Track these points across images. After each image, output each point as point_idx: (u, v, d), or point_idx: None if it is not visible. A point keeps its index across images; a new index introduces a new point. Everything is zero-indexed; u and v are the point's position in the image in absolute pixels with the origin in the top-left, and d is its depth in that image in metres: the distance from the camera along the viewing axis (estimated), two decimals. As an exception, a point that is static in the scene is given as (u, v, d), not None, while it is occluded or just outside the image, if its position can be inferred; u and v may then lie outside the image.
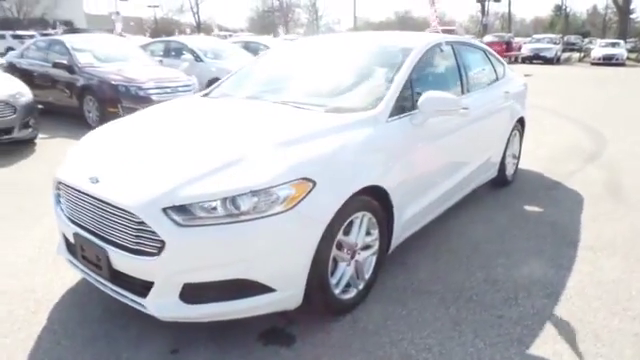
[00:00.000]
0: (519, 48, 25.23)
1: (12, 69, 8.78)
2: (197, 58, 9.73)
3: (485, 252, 3.27)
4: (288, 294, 2.15)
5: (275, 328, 2.38)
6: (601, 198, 4.40)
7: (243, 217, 1.99)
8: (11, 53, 9.77)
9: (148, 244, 2.00)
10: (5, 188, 4.59)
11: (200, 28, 44.32)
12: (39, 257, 3.12)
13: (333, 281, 2.37)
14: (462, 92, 3.56)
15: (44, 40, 8.71)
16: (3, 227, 3.63)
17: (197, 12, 45.86)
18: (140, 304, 2.09)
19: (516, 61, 25.78)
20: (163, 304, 2.04)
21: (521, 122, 4.74)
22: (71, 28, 41.60)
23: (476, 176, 3.91)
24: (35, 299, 2.62)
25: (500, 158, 4.37)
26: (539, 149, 6.30)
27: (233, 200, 1.99)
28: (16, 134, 5.64)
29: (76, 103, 7.49)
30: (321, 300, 2.32)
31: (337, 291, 2.41)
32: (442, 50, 3.48)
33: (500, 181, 4.57)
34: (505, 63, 4.69)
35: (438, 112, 2.84)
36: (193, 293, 2.03)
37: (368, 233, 2.59)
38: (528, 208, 4.15)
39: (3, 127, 5.54)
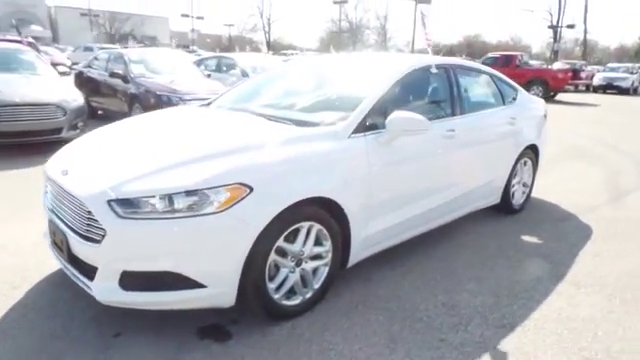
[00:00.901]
0: (591, 77, 23.81)
1: (79, 77, 9.76)
2: (244, 73, 10.24)
3: (458, 277, 3.20)
4: (219, 292, 2.28)
5: (216, 325, 2.52)
6: (614, 236, 4.12)
7: (177, 214, 2.16)
8: (81, 63, 10.83)
9: (94, 232, 2.22)
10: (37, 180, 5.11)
11: (270, 46, 46.31)
12: (41, 242, 3.48)
13: (272, 285, 2.46)
14: (452, 114, 3.54)
15: (107, 52, 9.59)
16: (21, 214, 4.06)
17: (268, 31, 48.11)
18: (88, 287, 2.32)
19: (587, 90, 24.39)
20: (105, 288, 2.25)
21: (534, 150, 4.57)
22: (151, 43, 45.15)
23: (469, 201, 3.84)
24: (23, 276, 2.95)
25: (503, 184, 4.24)
26: (572, 180, 6.01)
27: (169, 198, 2.17)
28: (64, 134, 6.25)
29: (127, 109, 8.15)
30: (257, 302, 2.42)
31: (277, 296, 2.50)
32: (431, 72, 3.50)
33: (505, 208, 4.43)
34: (519, 89, 4.57)
35: (405, 132, 2.87)
36: (130, 281, 2.21)
37: (320, 244, 2.67)
38: (526, 238, 3.98)
39: (53, 127, 6.19)
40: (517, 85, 4.62)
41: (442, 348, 2.41)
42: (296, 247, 2.53)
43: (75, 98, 6.62)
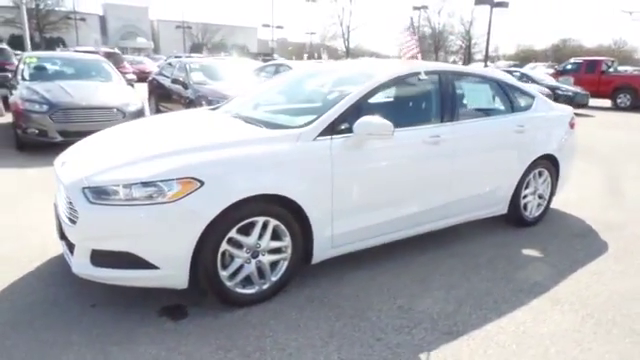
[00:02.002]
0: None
1: (151, 83, 10.77)
2: None
3: (429, 284, 3.20)
4: (171, 274, 2.56)
5: (179, 305, 2.80)
6: (630, 254, 3.81)
7: (135, 202, 2.48)
8: (155, 70, 11.93)
9: (73, 214, 2.61)
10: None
11: (349, 53, 46.91)
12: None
13: (224, 273, 2.69)
14: (441, 121, 3.54)
15: (173, 61, 10.49)
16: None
17: (347, 38, 48.76)
18: (70, 261, 2.71)
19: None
20: (79, 263, 2.62)
21: (552, 161, 4.35)
22: (239, 52, 47.91)
23: (463, 209, 3.79)
24: (41, 252, 3.45)
25: (509, 195, 4.09)
26: (611, 196, 5.56)
27: (130, 187, 2.49)
28: (123, 134, 7.00)
29: (185, 113, 8.89)
30: (209, 287, 2.67)
31: (230, 283, 2.73)
32: (419, 79, 3.53)
33: (515, 220, 4.27)
34: (537, 96, 4.38)
35: (370, 135, 2.97)
36: (98, 258, 2.56)
37: (279, 239, 2.85)
38: (526, 252, 3.82)
39: (113, 128, 6.97)
40: (535, 92, 4.43)
41: (375, 347, 2.48)
42: (251, 240, 2.74)
43: (134, 103, 7.37)
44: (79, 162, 2.89)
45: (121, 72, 11.48)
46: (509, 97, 4.11)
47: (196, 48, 57.74)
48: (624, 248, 3.94)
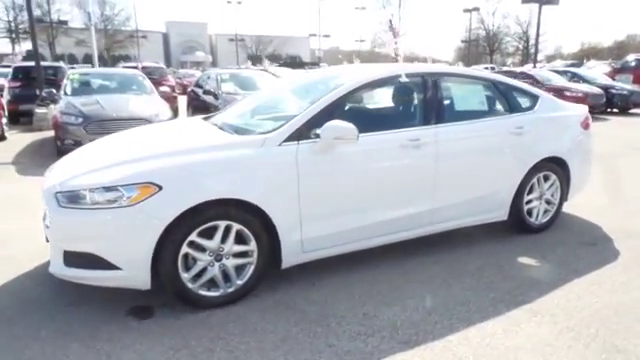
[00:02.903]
0: None
1: (189, 95, 11.25)
2: None
3: (404, 292, 3.10)
4: (133, 275, 2.67)
5: (147, 306, 2.90)
6: (636, 265, 3.49)
7: (98, 206, 2.62)
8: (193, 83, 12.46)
9: (49, 218, 2.80)
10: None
11: (397, 60, 46.36)
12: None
13: (186, 275, 2.77)
14: (423, 124, 3.44)
15: (207, 73, 10.89)
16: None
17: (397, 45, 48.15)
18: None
19: None
20: (55, 264, 2.80)
21: (559, 164, 4.08)
22: (292, 62, 48.91)
23: (453, 215, 3.64)
24: (43, 253, 3.70)
25: (509, 199, 3.88)
26: (637, 202, 5.11)
27: (94, 192, 2.63)
28: (151, 143, 7.37)
29: (215, 123, 9.21)
30: (171, 289, 2.76)
31: (193, 285, 2.80)
32: (399, 82, 3.45)
33: (518, 226, 4.04)
34: (542, 96, 4.13)
35: (336, 139, 2.95)
36: (69, 258, 2.72)
37: (244, 243, 2.90)
38: (522, 260, 3.61)
39: (142, 137, 7.35)
40: (540, 92, 4.19)
41: (324, 353, 2.45)
42: (213, 243, 2.80)
43: (164, 113, 7.74)
44: (61, 169, 3.09)
45: (164, 85, 12.09)
46: (506, 98, 3.91)
47: (254, 59, 59.64)
48: (636, 258, 3.62)
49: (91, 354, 2.43)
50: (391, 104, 3.55)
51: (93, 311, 2.85)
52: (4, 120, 9.55)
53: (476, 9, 38.23)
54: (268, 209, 2.87)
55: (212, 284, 2.88)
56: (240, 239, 2.89)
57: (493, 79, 3.97)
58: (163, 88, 8.82)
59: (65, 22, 45.29)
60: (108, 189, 2.62)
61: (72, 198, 2.67)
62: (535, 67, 21.07)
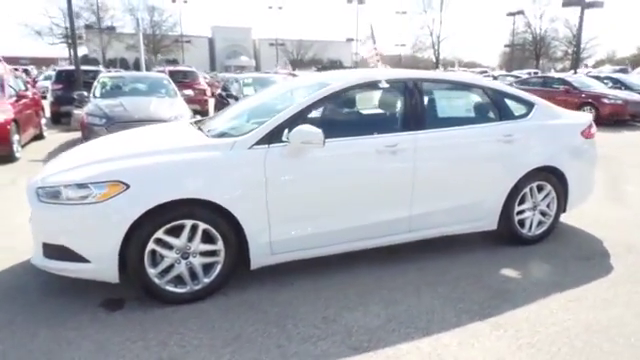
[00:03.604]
0: None
1: (217, 98, 11.57)
2: None
3: (371, 297, 3.09)
4: (101, 268, 2.80)
5: (120, 298, 3.04)
6: (627, 283, 3.31)
7: (70, 201, 2.78)
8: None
9: (30, 212, 2.99)
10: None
11: (439, 64, 45.68)
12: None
13: (152, 270, 2.88)
14: (403, 129, 3.42)
15: (230, 77, 11.17)
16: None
17: (437, 49, 47.50)
18: (34, 253, 3.10)
19: None
20: (36, 255, 2.98)
21: (556, 173, 3.92)
22: (331, 66, 49.23)
23: (434, 222, 3.58)
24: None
25: (498, 209, 3.77)
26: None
27: (68, 188, 2.80)
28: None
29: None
30: (138, 283, 2.88)
31: (159, 281, 2.90)
32: (378, 87, 3.44)
33: (509, 237, 3.92)
34: (538, 103, 3.98)
35: (303, 143, 2.98)
36: (47, 250, 2.90)
37: (211, 242, 2.98)
38: (505, 272, 3.50)
39: (161, 138, 7.64)
40: (537, 100, 4.04)
41: (270, 353, 2.49)
42: (180, 242, 2.90)
43: (185, 115, 8.00)
44: (49, 166, 3.29)
45: (194, 88, 12.49)
46: (496, 105, 3.81)
47: (295, 64, 60.44)
48: (629, 275, 3.43)
49: (54, 341, 2.58)
50: (370, 110, 3.55)
51: (70, 301, 3.01)
52: (43, 120, 10.16)
53: (520, 12, 36.98)
54: (235, 210, 2.94)
55: (179, 281, 2.98)
56: (208, 238, 2.98)
57: (482, 85, 3.87)
58: (187, 91, 9.05)
59: (113, 28, 47.52)
60: (80, 186, 2.77)
61: (50, 194, 2.84)
62: (576, 73, 20.16)
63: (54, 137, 10.27)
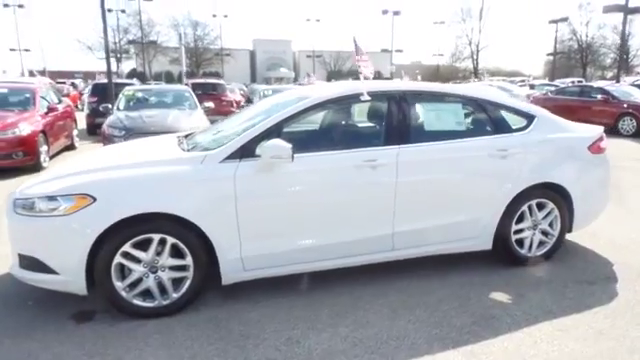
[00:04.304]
0: None
1: (242, 109, 11.72)
2: None
3: (343, 319, 2.95)
4: (69, 280, 2.82)
5: (91, 310, 3.04)
6: (626, 313, 3.02)
7: (40, 213, 2.82)
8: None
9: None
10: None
11: (477, 73, 44.61)
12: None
13: (119, 284, 2.87)
14: (385, 144, 3.28)
15: (255, 90, 11.30)
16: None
17: (476, 58, 46.43)
18: (14, 264, 3.17)
19: None
20: (13, 265, 3.04)
21: (559, 191, 3.66)
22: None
23: (424, 241, 3.41)
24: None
25: (493, 227, 3.55)
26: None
27: (40, 200, 2.84)
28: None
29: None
30: (105, 296, 2.88)
31: (127, 294, 2.89)
32: (360, 101, 3.32)
33: (506, 257, 3.68)
34: (539, 116, 3.74)
35: (273, 158, 2.91)
36: (22, 261, 2.95)
37: (181, 256, 2.95)
38: (494, 295, 3.27)
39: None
40: (539, 112, 3.80)
41: (223, 374, 2.41)
42: (148, 255, 2.88)
43: (201, 126, 8.13)
44: (36, 178, 3.38)
45: (222, 100, 12.72)
46: (490, 118, 3.60)
47: (334, 75, 60.85)
48: (634, 304, 3.13)
49: (16, 352, 2.61)
50: (350, 123, 3.44)
51: (44, 311, 3.05)
52: (75, 132, 10.62)
53: (564, 20, 35.52)
54: (204, 225, 2.91)
55: (148, 295, 2.96)
56: (177, 253, 2.95)
57: (474, 97, 3.66)
58: (208, 103, 9.20)
59: (154, 42, 49.37)
60: (50, 198, 2.82)
61: (24, 205, 2.90)
62: (618, 81, 19.10)
63: (85, 147, 10.68)
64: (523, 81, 30.90)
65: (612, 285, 3.41)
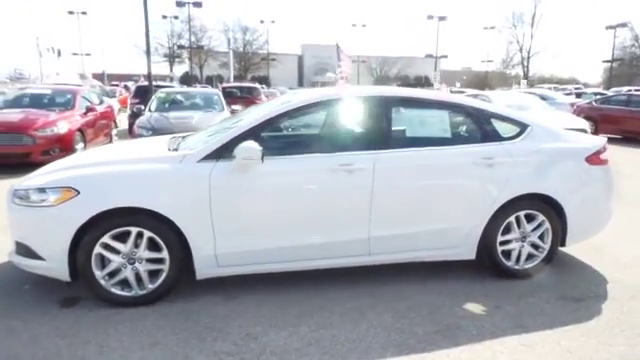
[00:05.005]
0: None
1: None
2: None
3: (308, 318, 3.00)
4: (54, 266, 3.04)
5: (77, 297, 3.25)
6: (604, 331, 2.87)
7: (32, 204, 3.07)
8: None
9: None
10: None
11: (528, 80, 42.88)
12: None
13: (99, 272, 3.06)
14: (364, 148, 3.30)
15: (285, 91, 11.45)
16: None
17: (527, 65, 44.70)
18: (17, 250, 3.44)
19: None
20: (12, 251, 3.31)
21: (550, 202, 3.53)
22: (416, 83, 48.59)
23: (402, 247, 3.40)
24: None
25: (477, 237, 3.47)
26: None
27: (32, 192, 3.09)
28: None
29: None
30: (85, 283, 3.08)
31: (105, 283, 3.08)
32: (340, 106, 3.37)
33: (492, 268, 3.59)
34: (533, 125, 3.62)
35: (244, 159, 3.02)
36: (18, 248, 3.22)
37: (158, 250, 3.11)
38: (468, 305, 3.20)
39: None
40: (533, 121, 3.68)
41: (190, 357, 2.53)
42: (126, 247, 3.06)
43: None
44: (37, 171, 3.66)
45: (256, 103, 13.04)
46: (477, 126, 3.53)
47: (379, 80, 60.73)
48: (614, 324, 2.97)
49: (0, 329, 2.85)
50: (329, 127, 3.47)
51: (36, 295, 3.30)
52: (114, 131, 11.25)
53: (623, 25, 33.53)
54: (179, 221, 3.05)
55: (126, 284, 3.14)
56: (154, 246, 3.11)
57: (462, 105, 3.61)
58: (235, 106, 9.50)
59: (202, 47, 51.10)
60: (40, 190, 3.06)
61: (20, 196, 3.16)
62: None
63: (123, 146, 11.30)
64: (577, 88, 29.48)
65: (599, 304, 3.25)
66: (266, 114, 3.28)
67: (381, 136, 3.35)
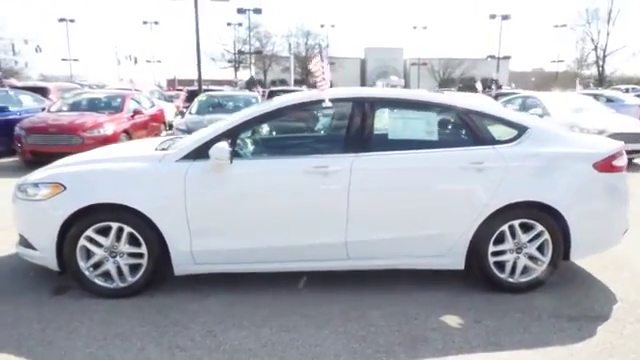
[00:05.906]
0: None
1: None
2: (544, 112, 9.80)
3: (275, 320, 2.98)
4: (45, 256, 3.26)
5: (68, 286, 3.44)
6: (592, 357, 2.58)
7: (29, 198, 3.31)
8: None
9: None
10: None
11: (603, 80, 39.61)
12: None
13: (83, 264, 3.23)
14: (342, 151, 3.23)
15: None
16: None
17: (602, 65, 41.29)
18: (22, 242, 3.72)
19: None
20: (17, 243, 3.58)
21: (550, 211, 3.25)
22: (484, 85, 46.80)
23: (384, 253, 3.29)
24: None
25: (465, 246, 3.27)
26: None
27: (29, 187, 3.33)
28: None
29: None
30: (70, 273, 3.26)
31: (89, 274, 3.24)
32: (320, 108, 3.31)
33: (482, 280, 3.37)
34: (533, 127, 3.35)
35: (216, 160, 3.06)
36: (20, 239, 3.48)
37: (138, 244, 3.23)
38: (445, 317, 3.02)
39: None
40: (534, 123, 3.41)
41: (131, 352, 2.62)
42: (107, 241, 3.21)
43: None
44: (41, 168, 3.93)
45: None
46: (468, 128, 3.32)
47: (443, 83, 59.24)
48: (603, 349, 2.67)
49: (-8, 310, 3.10)
50: (309, 130, 3.42)
51: (36, 282, 3.54)
52: (163, 133, 11.86)
53: None
54: (156, 218, 3.15)
55: (108, 276, 3.29)
56: (135, 241, 3.23)
57: (452, 106, 3.41)
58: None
59: (260, 52, 52.38)
60: (35, 185, 3.29)
61: (22, 190, 3.42)
62: None
63: (171, 147, 11.87)
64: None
65: (595, 325, 2.94)
66: (245, 116, 3.31)
67: (360, 138, 3.26)
